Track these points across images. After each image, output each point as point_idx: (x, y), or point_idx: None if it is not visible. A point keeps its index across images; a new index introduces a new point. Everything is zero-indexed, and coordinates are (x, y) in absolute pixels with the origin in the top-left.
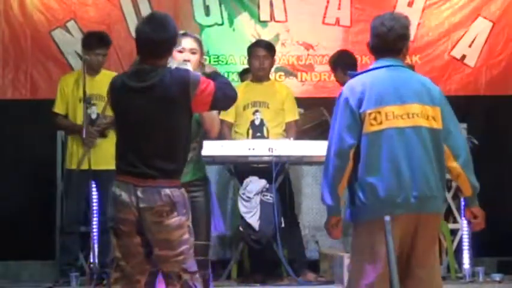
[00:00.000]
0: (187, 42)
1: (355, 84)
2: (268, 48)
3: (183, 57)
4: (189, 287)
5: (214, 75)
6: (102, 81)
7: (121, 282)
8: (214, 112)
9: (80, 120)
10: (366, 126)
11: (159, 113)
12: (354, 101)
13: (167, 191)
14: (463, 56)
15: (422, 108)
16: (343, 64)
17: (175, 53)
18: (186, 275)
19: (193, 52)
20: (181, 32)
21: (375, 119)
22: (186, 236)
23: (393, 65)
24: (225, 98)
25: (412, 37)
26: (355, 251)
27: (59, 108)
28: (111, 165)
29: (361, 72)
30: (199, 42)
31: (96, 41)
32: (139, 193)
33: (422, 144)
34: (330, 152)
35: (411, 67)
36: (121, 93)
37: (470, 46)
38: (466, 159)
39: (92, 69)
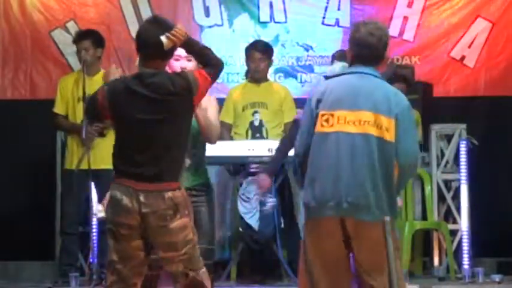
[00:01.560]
0: (182, 50)
1: (321, 86)
2: (264, 50)
3: (179, 64)
4: (198, 281)
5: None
6: (100, 81)
7: (117, 285)
8: (212, 118)
9: (79, 120)
10: (317, 126)
11: (162, 117)
12: (314, 102)
13: (170, 194)
14: (463, 57)
15: (375, 117)
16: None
17: (171, 61)
18: (192, 272)
19: (189, 59)
20: None
21: (326, 120)
22: (190, 236)
23: (365, 72)
24: (217, 75)
25: (411, 38)
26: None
27: (59, 109)
28: (110, 165)
29: (334, 76)
30: None
31: (81, 36)
32: (141, 198)
33: (367, 152)
34: (294, 149)
35: (410, 68)
36: (124, 97)
37: (469, 47)
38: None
39: (86, 66)
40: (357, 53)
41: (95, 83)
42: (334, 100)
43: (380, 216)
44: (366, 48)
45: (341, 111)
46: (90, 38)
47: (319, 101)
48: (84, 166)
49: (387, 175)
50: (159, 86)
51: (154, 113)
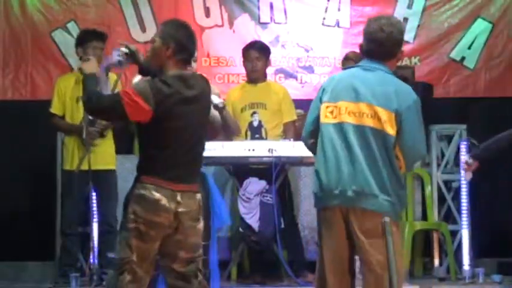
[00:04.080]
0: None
1: (330, 77)
2: (261, 49)
3: (193, 66)
4: (204, 284)
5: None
6: None
7: (132, 285)
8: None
9: (77, 120)
10: (322, 117)
11: (202, 120)
12: (320, 91)
13: (198, 196)
14: (463, 58)
15: (373, 110)
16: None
17: None
18: (199, 273)
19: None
20: None
21: (331, 112)
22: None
23: (373, 67)
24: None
25: (411, 39)
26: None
27: (55, 109)
28: (110, 165)
29: (350, 67)
30: None
31: (92, 35)
32: (178, 198)
33: (365, 143)
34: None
35: (411, 69)
36: (174, 100)
37: (469, 48)
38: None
39: None
40: (366, 48)
41: None
42: (338, 91)
43: (384, 207)
44: (374, 43)
45: (343, 102)
46: (101, 38)
47: (324, 91)
48: (84, 167)
49: (390, 163)
50: (202, 87)
51: (197, 117)
